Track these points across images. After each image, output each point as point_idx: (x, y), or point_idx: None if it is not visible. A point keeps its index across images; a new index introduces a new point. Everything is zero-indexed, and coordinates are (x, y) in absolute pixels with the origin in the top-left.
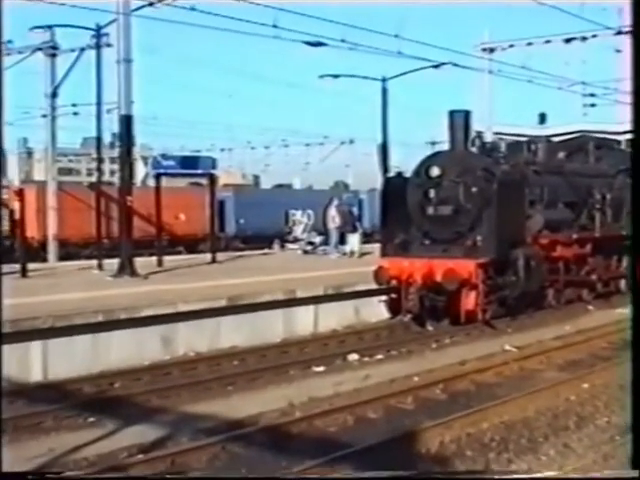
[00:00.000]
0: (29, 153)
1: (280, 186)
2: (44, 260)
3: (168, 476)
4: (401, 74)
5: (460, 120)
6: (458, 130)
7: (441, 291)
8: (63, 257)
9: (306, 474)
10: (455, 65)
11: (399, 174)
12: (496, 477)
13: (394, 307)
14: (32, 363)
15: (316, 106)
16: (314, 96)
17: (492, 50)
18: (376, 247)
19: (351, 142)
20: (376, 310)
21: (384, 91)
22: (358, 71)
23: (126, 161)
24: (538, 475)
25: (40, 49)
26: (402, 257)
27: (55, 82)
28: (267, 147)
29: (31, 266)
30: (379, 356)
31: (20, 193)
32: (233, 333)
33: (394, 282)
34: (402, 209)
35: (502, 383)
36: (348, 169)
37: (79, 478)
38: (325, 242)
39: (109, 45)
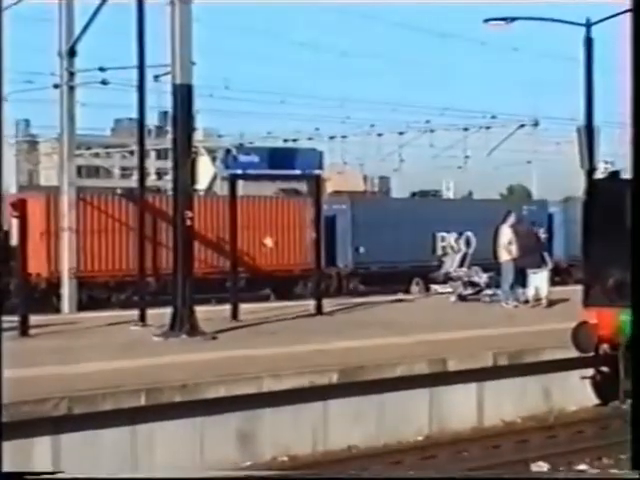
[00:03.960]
0: (33, 143)
1: (423, 194)
2: (56, 310)
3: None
4: (615, 14)
5: None
6: None
7: None
8: (85, 305)
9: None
10: None
11: (614, 174)
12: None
13: (607, 387)
14: (37, 467)
15: (478, 68)
16: (474, 52)
17: None
18: (576, 290)
19: (535, 125)
20: (577, 392)
21: (588, 42)
22: (545, 12)
23: (184, 155)
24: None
25: None
26: (619, 308)
27: (73, 35)
28: (402, 133)
29: (35, 319)
30: (582, 467)
31: (20, 206)
32: (349, 426)
33: (606, 347)
34: (619, 231)
35: None
36: (530, 167)
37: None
38: (495, 282)
39: None
